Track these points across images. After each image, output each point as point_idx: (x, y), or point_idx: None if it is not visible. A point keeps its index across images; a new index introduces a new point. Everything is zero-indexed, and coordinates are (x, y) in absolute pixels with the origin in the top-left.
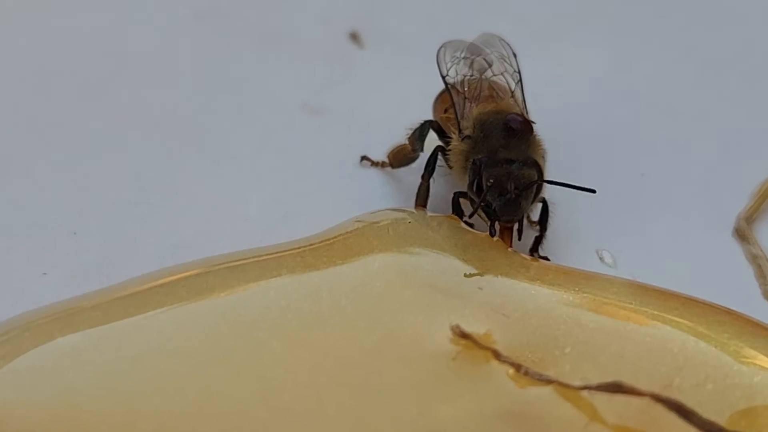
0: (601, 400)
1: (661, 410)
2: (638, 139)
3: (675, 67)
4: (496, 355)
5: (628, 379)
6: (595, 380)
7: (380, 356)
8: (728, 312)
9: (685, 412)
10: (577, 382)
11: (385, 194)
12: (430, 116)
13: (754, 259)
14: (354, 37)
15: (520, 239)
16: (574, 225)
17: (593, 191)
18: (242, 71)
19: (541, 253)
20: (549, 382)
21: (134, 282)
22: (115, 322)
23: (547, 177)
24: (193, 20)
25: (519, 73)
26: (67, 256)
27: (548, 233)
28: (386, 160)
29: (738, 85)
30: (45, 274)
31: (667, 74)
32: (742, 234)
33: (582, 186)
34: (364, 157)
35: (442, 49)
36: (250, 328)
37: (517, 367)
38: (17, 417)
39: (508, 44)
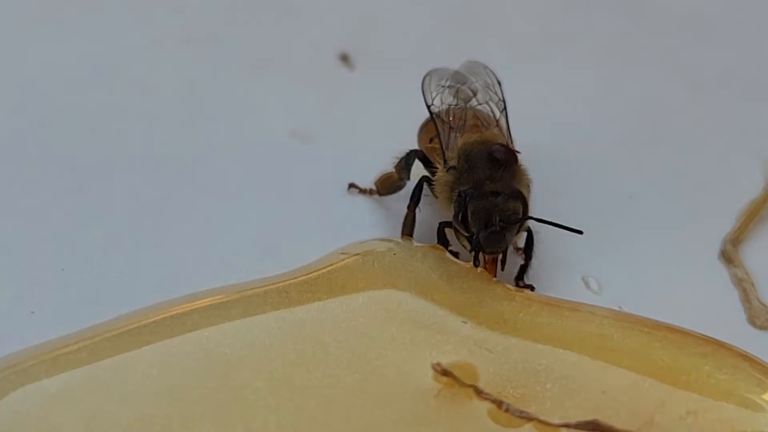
0: None
1: None
2: (626, 161)
3: (662, 88)
4: (478, 392)
5: (609, 415)
6: (576, 416)
7: (363, 395)
8: (711, 342)
9: None
10: (557, 420)
11: (372, 222)
12: (416, 141)
13: (739, 282)
14: (344, 58)
15: (503, 269)
16: (560, 252)
17: (580, 232)
18: (231, 98)
19: (527, 282)
20: (530, 419)
21: (120, 321)
22: (101, 363)
23: (532, 206)
24: (181, 45)
25: (504, 101)
26: (56, 293)
27: (533, 261)
28: (374, 187)
29: (725, 106)
30: (32, 312)
31: (654, 96)
32: (728, 257)
33: (569, 226)
34: (351, 185)
35: (427, 77)
36: (234, 367)
37: (498, 403)
38: None
39: (493, 72)
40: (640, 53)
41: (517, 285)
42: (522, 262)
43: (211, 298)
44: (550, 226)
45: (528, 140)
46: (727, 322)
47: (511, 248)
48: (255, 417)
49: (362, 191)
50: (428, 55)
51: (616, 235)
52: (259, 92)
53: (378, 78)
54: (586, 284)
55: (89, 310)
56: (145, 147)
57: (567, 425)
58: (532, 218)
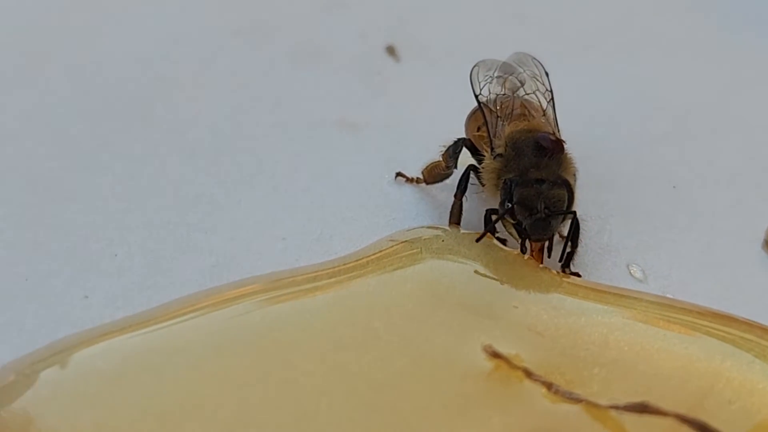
0: (630, 419)
1: (688, 430)
2: (670, 151)
3: (706, 79)
4: (528, 374)
5: (656, 399)
6: (624, 400)
7: (412, 378)
8: (757, 327)
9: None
10: (605, 402)
11: (419, 211)
12: (464, 130)
13: None
14: (390, 50)
15: (549, 256)
16: (605, 240)
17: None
18: (279, 87)
19: (572, 269)
20: (579, 401)
21: (173, 305)
22: (154, 346)
23: (577, 195)
24: (230, 37)
25: (551, 92)
26: (109, 278)
27: (579, 249)
28: (421, 176)
29: None
30: (86, 297)
31: (698, 86)
32: None
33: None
34: (399, 174)
35: (476, 68)
36: (286, 351)
37: (549, 385)
38: None
39: (541, 63)
40: (683, 44)
41: (563, 272)
42: (568, 250)
43: (262, 284)
44: (595, 214)
45: (574, 130)
46: None
47: (557, 238)
48: (307, 400)
49: (409, 180)
50: (473, 47)
51: (661, 224)
52: (307, 82)
53: (424, 69)
54: (631, 272)
55: (142, 294)
56: (196, 135)
57: (615, 407)
58: (573, 212)
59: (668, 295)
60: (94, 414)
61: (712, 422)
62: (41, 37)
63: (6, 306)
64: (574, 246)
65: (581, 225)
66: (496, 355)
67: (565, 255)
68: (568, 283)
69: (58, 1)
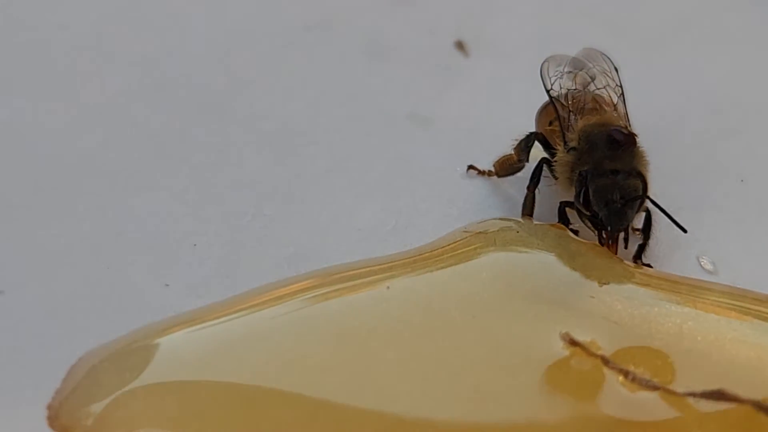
0: (706, 407)
1: (764, 418)
2: (738, 146)
3: None
4: (605, 361)
5: (730, 388)
6: (697, 389)
7: (490, 366)
8: None
9: None
10: (682, 389)
11: (491, 203)
12: (533, 124)
13: None
14: (459, 45)
15: (626, 247)
16: (675, 232)
17: (685, 230)
18: (350, 81)
19: (644, 261)
20: (655, 388)
21: (253, 293)
22: (235, 335)
23: (650, 187)
24: (302, 32)
25: (621, 87)
26: (189, 267)
27: (651, 241)
28: (492, 169)
29: None
30: (167, 285)
31: (764, 84)
32: None
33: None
34: (470, 167)
35: (546, 63)
36: (365, 338)
37: (625, 373)
38: (145, 430)
39: (610, 59)
40: (753, 39)
41: (636, 263)
42: (640, 242)
43: (339, 274)
44: (666, 209)
45: (644, 124)
46: None
47: (630, 230)
48: (386, 386)
49: (481, 173)
50: (541, 42)
51: (730, 217)
52: (378, 76)
53: (492, 63)
54: (701, 264)
55: (221, 284)
56: (271, 127)
57: (692, 394)
58: (649, 198)
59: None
60: (179, 400)
61: None
62: (121, 32)
63: (88, 294)
64: (647, 238)
65: (653, 217)
66: (573, 342)
67: (638, 247)
68: (641, 273)
69: None
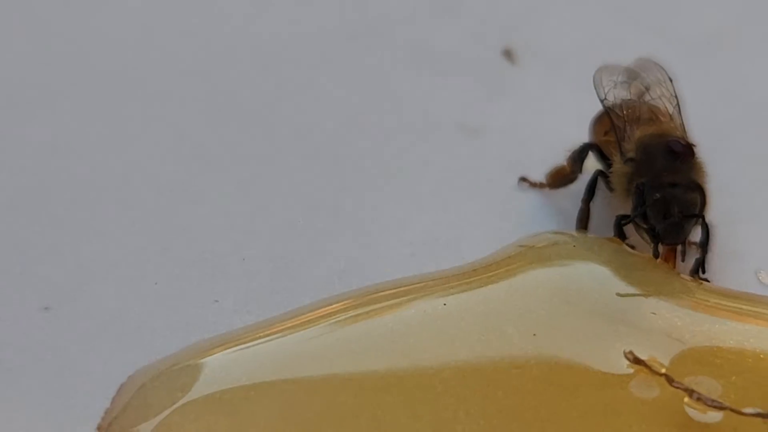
0: None
1: None
2: None
3: None
4: (670, 380)
5: None
6: (764, 408)
7: (550, 385)
8: None
9: None
10: (749, 409)
11: (543, 216)
12: (585, 133)
13: None
14: (507, 54)
15: (684, 260)
16: (733, 246)
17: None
18: (398, 91)
19: (702, 275)
20: (722, 408)
21: (304, 309)
22: (289, 352)
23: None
24: (348, 41)
25: (677, 97)
26: (238, 282)
27: (709, 255)
28: (544, 181)
29: None
30: (217, 301)
31: None
32: None
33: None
34: (522, 178)
35: (598, 73)
36: (420, 357)
37: (690, 392)
38: None
39: (664, 69)
40: None
41: (693, 278)
42: (698, 256)
43: (393, 290)
44: (724, 222)
45: (700, 135)
46: None
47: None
48: (444, 406)
49: (533, 184)
50: (589, 50)
51: None
52: (425, 86)
53: (541, 72)
54: (759, 278)
55: (270, 299)
56: (319, 138)
57: (760, 415)
58: (702, 216)
59: None
60: (230, 420)
61: None
62: (165, 42)
63: (137, 310)
64: (705, 252)
65: (712, 230)
66: (637, 361)
67: (695, 260)
68: (700, 289)
69: (176, 6)
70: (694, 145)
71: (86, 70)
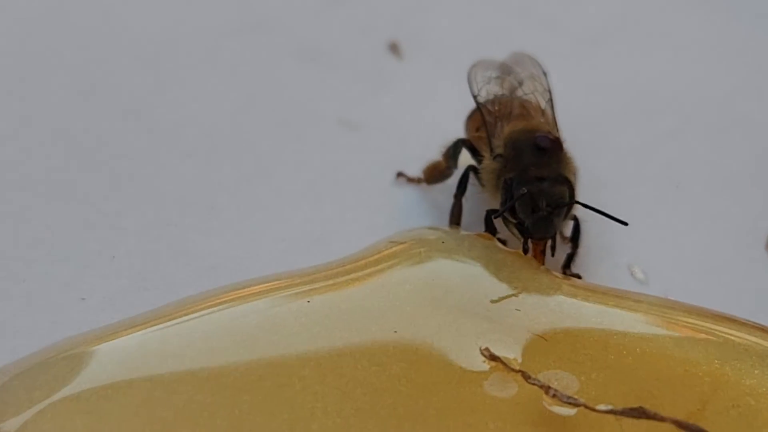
0: (629, 424)
1: None
2: (672, 151)
3: (710, 76)
4: (526, 377)
5: (656, 404)
6: (621, 405)
7: (408, 383)
8: (759, 329)
9: None
10: (601, 406)
11: (420, 211)
12: (463, 130)
13: None
14: (393, 47)
15: (553, 256)
16: (606, 240)
17: (625, 224)
18: (281, 85)
19: (573, 270)
20: (576, 405)
21: (170, 308)
22: (150, 350)
23: (578, 193)
24: (232, 35)
25: (550, 92)
26: (106, 280)
27: (580, 250)
28: (422, 176)
29: None
30: (83, 299)
31: (702, 84)
32: None
33: (615, 216)
34: (399, 173)
35: (473, 68)
36: (281, 355)
37: (546, 389)
38: None
39: (539, 63)
40: (688, 41)
41: (564, 273)
42: (569, 251)
43: (259, 286)
44: (596, 215)
45: (576, 129)
46: None
47: (558, 239)
48: (301, 404)
49: (410, 180)
50: (477, 44)
51: (663, 225)
52: (308, 80)
53: (426, 68)
54: (632, 273)
55: (138, 296)
56: (195, 134)
57: (613, 412)
58: (579, 203)
59: (670, 297)
60: (89, 419)
61: (712, 428)
62: (40, 37)
63: (2, 308)
64: (576, 247)
65: (582, 225)
66: (493, 357)
67: (566, 256)
68: (568, 285)
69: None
70: (561, 140)
71: None
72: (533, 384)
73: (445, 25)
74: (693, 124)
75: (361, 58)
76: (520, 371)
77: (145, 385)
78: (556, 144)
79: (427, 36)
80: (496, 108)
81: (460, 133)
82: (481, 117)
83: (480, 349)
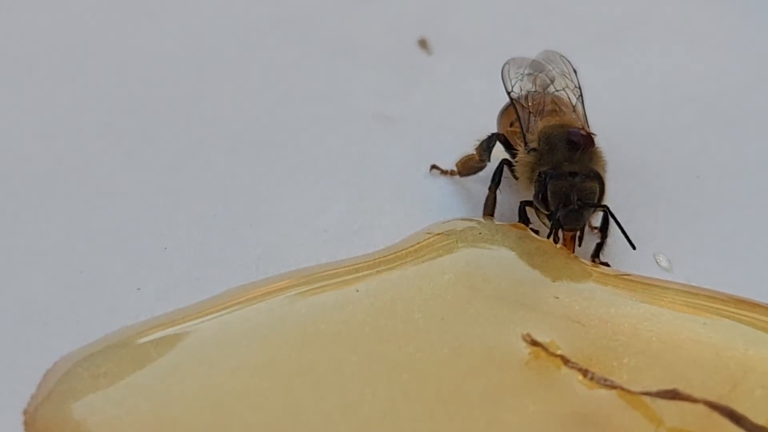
0: (662, 405)
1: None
2: (694, 142)
3: (730, 69)
4: (565, 361)
5: (686, 387)
6: (654, 388)
7: (452, 368)
8: None
9: (736, 418)
10: (637, 389)
11: (453, 203)
12: (495, 122)
13: None
14: (422, 43)
15: (580, 245)
16: (631, 230)
17: (634, 247)
18: (316, 81)
19: (602, 259)
20: (614, 387)
21: (221, 297)
22: (205, 338)
23: (607, 188)
24: (267, 31)
25: (579, 88)
26: (159, 271)
27: (608, 239)
28: (455, 168)
29: None
30: (139, 289)
31: (723, 76)
32: None
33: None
34: (433, 166)
35: (506, 66)
36: (330, 342)
37: (584, 372)
38: None
39: (569, 61)
40: (709, 36)
41: (593, 262)
42: (598, 240)
43: (305, 276)
44: (623, 207)
45: (601, 122)
46: None
47: (587, 228)
48: (350, 389)
49: (444, 172)
50: (504, 40)
51: (686, 214)
52: (342, 75)
53: (455, 62)
54: (657, 261)
55: (191, 286)
56: (238, 128)
57: (648, 393)
58: (608, 210)
59: (693, 284)
60: (152, 404)
61: (742, 409)
62: (88, 34)
63: (61, 299)
64: (604, 237)
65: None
66: (534, 343)
67: (595, 245)
68: (599, 273)
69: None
70: (593, 135)
71: (11, 64)
72: (572, 367)
73: (472, 21)
74: (712, 115)
75: (392, 53)
76: (559, 355)
77: (203, 371)
78: (588, 139)
79: (453, 32)
80: (530, 103)
81: (490, 127)
82: (516, 112)
83: (522, 335)
